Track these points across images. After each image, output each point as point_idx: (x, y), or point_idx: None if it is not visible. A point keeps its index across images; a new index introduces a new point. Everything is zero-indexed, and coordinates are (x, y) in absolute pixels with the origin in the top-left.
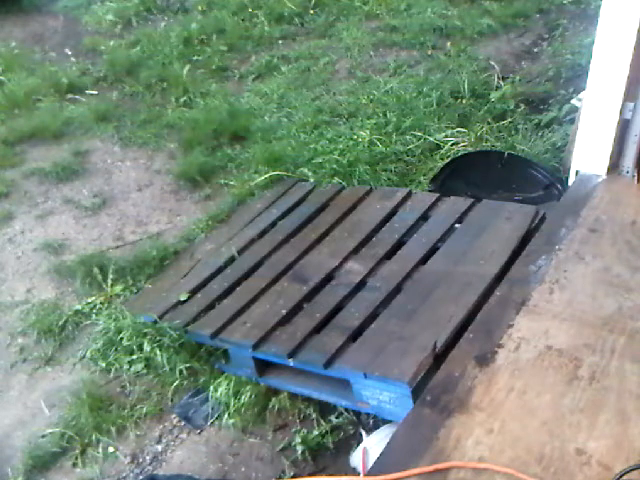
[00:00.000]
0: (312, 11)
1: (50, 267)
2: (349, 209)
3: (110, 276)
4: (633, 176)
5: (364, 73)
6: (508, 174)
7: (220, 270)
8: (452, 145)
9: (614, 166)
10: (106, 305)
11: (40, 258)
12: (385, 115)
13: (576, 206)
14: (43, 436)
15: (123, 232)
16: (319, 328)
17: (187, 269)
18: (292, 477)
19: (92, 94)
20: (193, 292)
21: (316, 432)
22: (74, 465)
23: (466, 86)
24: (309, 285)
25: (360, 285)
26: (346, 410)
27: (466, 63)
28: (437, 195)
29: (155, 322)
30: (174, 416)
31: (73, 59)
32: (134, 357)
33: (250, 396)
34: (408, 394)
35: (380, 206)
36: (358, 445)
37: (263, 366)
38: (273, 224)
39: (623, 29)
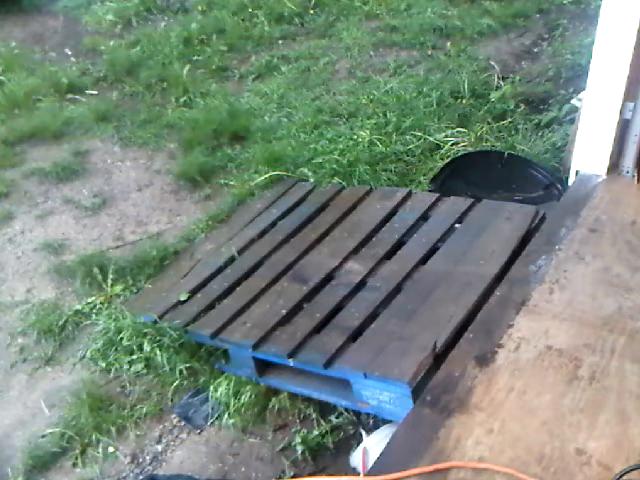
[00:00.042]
0: (312, 11)
1: (50, 267)
2: (349, 209)
3: (110, 276)
4: (633, 176)
5: (364, 73)
6: (508, 174)
7: (220, 270)
8: (452, 145)
9: (614, 166)
10: (106, 305)
11: (40, 258)
12: (385, 115)
13: (576, 206)
14: (43, 436)
15: (123, 232)
16: (319, 328)
17: (187, 269)
18: (292, 477)
19: (92, 94)
20: (193, 292)
21: (316, 432)
22: (74, 465)
23: (466, 86)
24: (309, 285)
25: (360, 285)
26: (346, 410)
27: (466, 63)
28: (437, 195)
29: (155, 322)
30: (174, 416)
31: (73, 59)
32: (134, 357)
33: (250, 396)
34: (408, 394)
35: (380, 206)
36: (358, 445)
37: (263, 366)
38: (273, 224)
39: (623, 29)
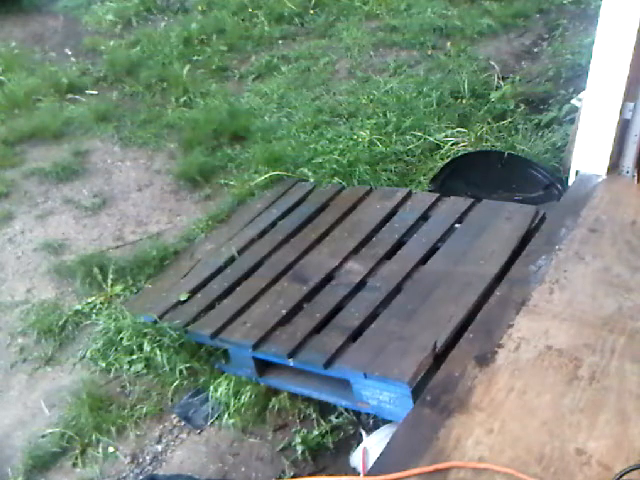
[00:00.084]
0: (312, 11)
1: (50, 267)
2: (349, 209)
3: (110, 276)
4: (633, 176)
5: (364, 73)
6: (508, 174)
7: (220, 270)
8: (452, 145)
9: (614, 166)
10: (106, 305)
11: (40, 258)
12: (385, 115)
13: (576, 206)
14: (43, 436)
15: (123, 232)
16: (319, 328)
17: (187, 269)
18: (292, 477)
19: (92, 94)
20: (193, 292)
21: (316, 432)
22: (74, 465)
23: (466, 86)
24: (309, 285)
25: (360, 285)
26: (346, 410)
27: (466, 63)
28: (437, 195)
29: (155, 322)
30: (174, 416)
31: (73, 59)
32: (134, 357)
33: (250, 396)
34: (408, 394)
35: (380, 206)
36: (358, 445)
37: (263, 366)
38: (273, 224)
39: (623, 29)
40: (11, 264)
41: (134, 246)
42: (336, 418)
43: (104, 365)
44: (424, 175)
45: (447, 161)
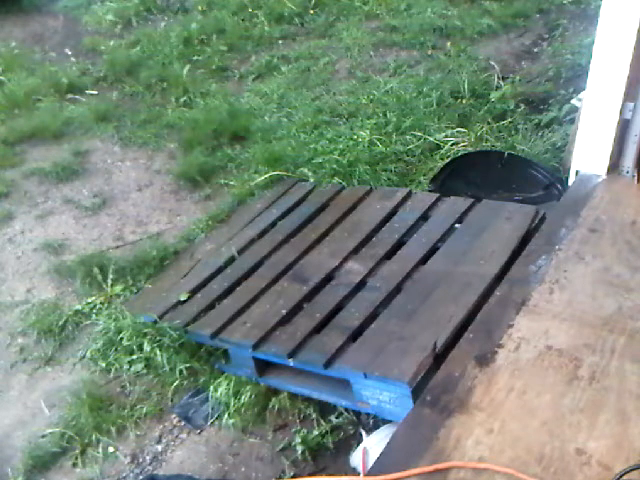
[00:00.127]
0: (312, 11)
1: (50, 267)
2: (349, 209)
3: (110, 276)
4: (633, 176)
5: (364, 73)
6: (508, 174)
7: (220, 270)
8: (452, 145)
9: (614, 166)
10: (106, 305)
11: (40, 258)
12: (385, 115)
13: (576, 206)
14: (43, 436)
15: (123, 232)
16: (319, 328)
17: (187, 269)
18: (292, 477)
19: (92, 94)
20: (193, 292)
21: (316, 432)
22: (74, 465)
23: (466, 86)
24: (309, 285)
25: (360, 285)
26: (346, 410)
27: (466, 63)
28: (437, 195)
29: (155, 322)
30: (174, 416)
31: (73, 59)
32: (134, 357)
33: (250, 396)
34: (408, 394)
35: (380, 206)
36: (358, 445)
37: (263, 366)
38: (273, 224)
39: (623, 29)
40: (11, 264)
41: (134, 246)
42: (336, 418)
43: (104, 365)
44: (424, 175)
45: (447, 161)
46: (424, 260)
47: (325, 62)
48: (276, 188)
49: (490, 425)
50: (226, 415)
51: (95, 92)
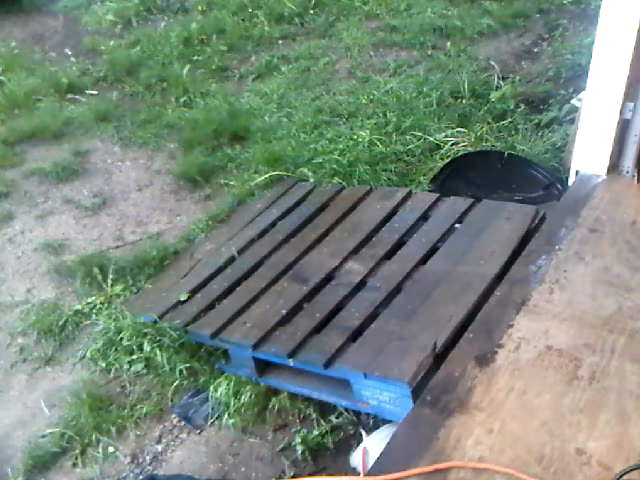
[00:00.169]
0: (312, 11)
1: (50, 267)
2: (349, 209)
3: (110, 276)
4: (633, 176)
5: (364, 73)
6: (508, 174)
7: (220, 270)
8: (452, 145)
9: (614, 166)
10: (106, 305)
11: (40, 258)
12: (385, 115)
13: (576, 206)
14: (43, 436)
15: (123, 232)
16: (319, 328)
17: (187, 269)
18: (292, 477)
19: (92, 94)
20: (193, 292)
21: (316, 432)
22: (74, 465)
23: (466, 86)
24: (309, 285)
25: (360, 285)
26: (346, 410)
27: (466, 63)
28: (437, 195)
29: (155, 322)
30: (174, 416)
31: (73, 59)
32: (134, 357)
33: (250, 396)
34: (408, 394)
35: (380, 206)
36: (358, 445)
37: (263, 366)
38: (273, 224)
39: (623, 29)
40: (11, 264)
41: (134, 246)
42: (336, 418)
43: (104, 365)
44: (424, 175)
45: (447, 161)
46: (424, 260)
47: (325, 62)
48: (276, 188)
49: (490, 425)
50: (226, 415)
51: (95, 92)
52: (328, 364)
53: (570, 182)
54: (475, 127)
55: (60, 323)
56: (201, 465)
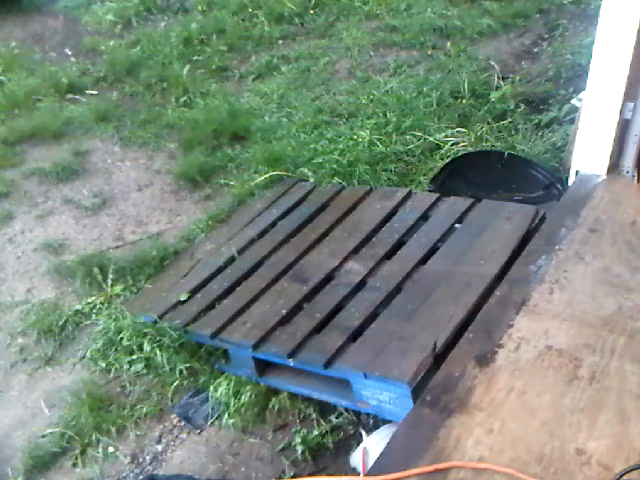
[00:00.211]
0: (312, 11)
1: (50, 267)
2: (349, 209)
3: (110, 276)
4: (633, 176)
5: (364, 73)
6: (508, 174)
7: (220, 270)
8: (452, 145)
9: (614, 166)
10: (106, 305)
11: (40, 258)
12: (385, 115)
13: (576, 206)
14: (43, 436)
15: (123, 232)
16: (319, 328)
17: (187, 269)
18: (292, 477)
19: (92, 94)
20: (193, 292)
21: (316, 432)
22: (74, 465)
23: (466, 86)
24: (309, 285)
25: (360, 285)
26: (346, 410)
27: (466, 63)
28: (437, 195)
29: (155, 322)
30: (174, 416)
31: (73, 59)
32: (134, 357)
33: (250, 396)
34: (408, 394)
35: (380, 206)
36: (358, 445)
37: (263, 366)
38: (273, 224)
39: (623, 29)
40: (11, 264)
41: (134, 246)
42: (336, 418)
43: (104, 365)
44: (424, 175)
45: (447, 161)
46: (424, 260)
47: (325, 62)
48: (276, 188)
49: (490, 425)
50: (226, 415)
51: (95, 92)
52: (328, 364)
53: (570, 182)
54: (475, 127)
55: (60, 323)
56: (201, 465)
